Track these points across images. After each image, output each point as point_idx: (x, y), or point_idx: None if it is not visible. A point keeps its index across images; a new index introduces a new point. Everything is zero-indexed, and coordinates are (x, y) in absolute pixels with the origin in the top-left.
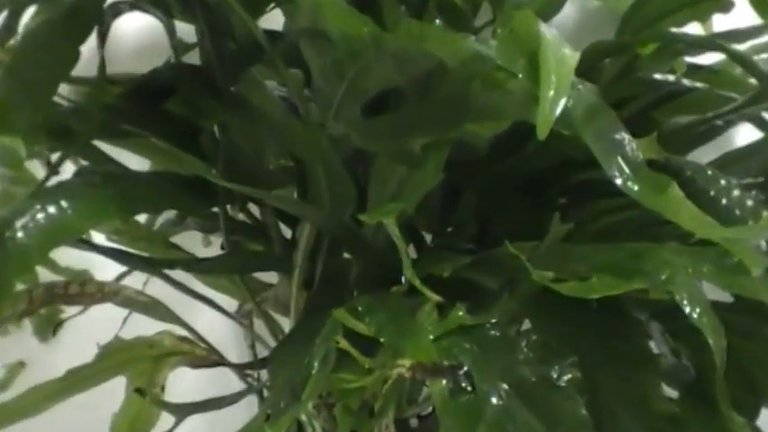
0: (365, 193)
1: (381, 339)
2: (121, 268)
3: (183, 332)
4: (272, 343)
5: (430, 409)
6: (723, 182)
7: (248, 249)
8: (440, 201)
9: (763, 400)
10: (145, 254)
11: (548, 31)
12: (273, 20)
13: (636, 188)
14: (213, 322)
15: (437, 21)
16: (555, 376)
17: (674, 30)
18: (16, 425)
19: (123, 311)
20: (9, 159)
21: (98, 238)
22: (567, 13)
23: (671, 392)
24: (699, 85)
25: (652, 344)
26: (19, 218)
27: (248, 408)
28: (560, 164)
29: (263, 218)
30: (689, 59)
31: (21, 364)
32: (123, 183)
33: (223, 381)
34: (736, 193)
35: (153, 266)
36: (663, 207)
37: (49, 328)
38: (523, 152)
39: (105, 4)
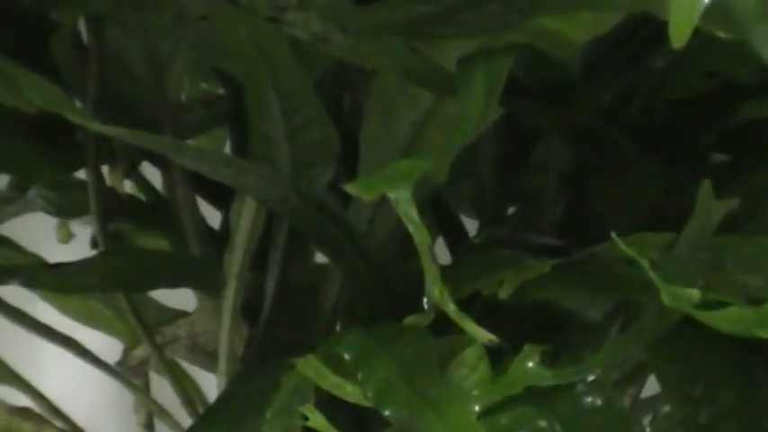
0: (355, 143)
1: (386, 412)
2: None
3: (24, 399)
4: (186, 420)
5: None
6: None
7: (141, 248)
8: (494, 160)
9: None
10: None
11: None
12: None
13: None
14: (77, 381)
15: None
16: None
17: None
18: None
19: None
20: None
21: None
22: None
23: None
24: None
25: None
26: None
27: None
28: (713, 92)
29: (167, 191)
30: None
31: None
32: None
33: None
34: None
35: None
36: None
37: None
38: (647, 72)
39: None
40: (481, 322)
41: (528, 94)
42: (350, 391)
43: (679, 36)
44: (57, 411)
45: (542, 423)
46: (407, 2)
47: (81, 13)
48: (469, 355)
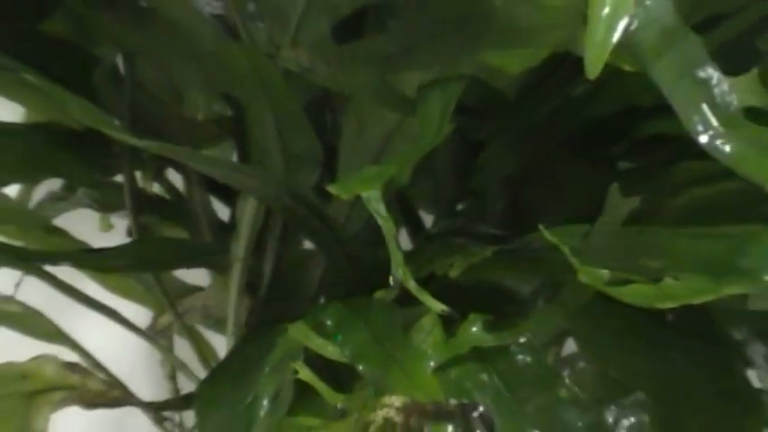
0: (336, 153)
1: (359, 367)
2: None
3: (72, 356)
4: (201, 372)
5: None
6: None
7: (166, 236)
8: (447, 165)
9: None
10: (16, 243)
11: None
12: None
13: (727, 149)
14: (115, 342)
15: None
16: (611, 421)
17: None
18: None
19: None
20: None
21: None
22: None
23: None
24: None
25: (753, 375)
26: None
27: None
28: (622, 112)
29: (187, 191)
30: None
31: None
32: None
33: (130, 426)
34: None
35: (28, 261)
36: None
37: None
38: (569, 96)
39: None
40: (436, 296)
41: (472, 114)
42: (331, 351)
43: (592, 69)
44: (99, 366)
45: (484, 376)
46: (378, 42)
47: (118, 50)
48: (426, 322)
